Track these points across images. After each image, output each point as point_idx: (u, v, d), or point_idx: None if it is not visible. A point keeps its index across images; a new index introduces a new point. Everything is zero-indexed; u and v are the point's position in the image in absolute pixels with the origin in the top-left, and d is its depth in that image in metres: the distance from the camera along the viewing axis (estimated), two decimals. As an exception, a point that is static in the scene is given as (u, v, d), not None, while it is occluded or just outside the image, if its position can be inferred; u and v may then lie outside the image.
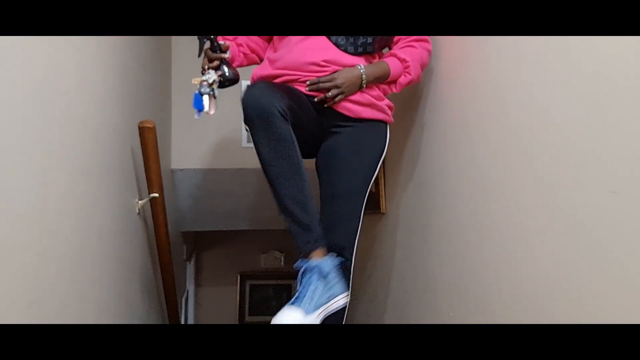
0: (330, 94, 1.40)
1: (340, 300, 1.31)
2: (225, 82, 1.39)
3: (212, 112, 1.35)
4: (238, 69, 1.57)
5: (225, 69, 1.39)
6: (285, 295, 4.36)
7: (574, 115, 0.87)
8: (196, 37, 1.38)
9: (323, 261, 1.27)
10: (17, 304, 0.76)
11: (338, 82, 1.39)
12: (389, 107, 1.54)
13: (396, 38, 1.54)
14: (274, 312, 1.21)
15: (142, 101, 1.87)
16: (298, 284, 1.27)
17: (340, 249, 1.47)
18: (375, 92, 1.48)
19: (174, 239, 2.56)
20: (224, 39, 1.48)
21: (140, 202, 1.71)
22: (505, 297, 1.09)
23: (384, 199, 2.01)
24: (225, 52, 1.39)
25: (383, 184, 2.02)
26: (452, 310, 1.37)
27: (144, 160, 1.67)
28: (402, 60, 1.47)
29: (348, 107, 1.45)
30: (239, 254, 4.34)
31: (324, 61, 1.42)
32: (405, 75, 1.48)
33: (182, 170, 2.83)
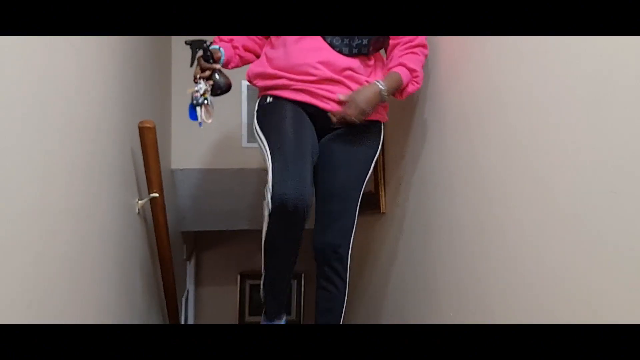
0: (357, 120, 1.42)
1: None
2: (217, 91, 1.40)
3: (209, 120, 1.36)
4: (236, 69, 1.58)
5: (217, 77, 1.39)
6: (285, 295, 4.34)
7: (574, 115, 0.87)
8: (187, 44, 1.38)
9: (283, 322, 1.61)
10: (17, 304, 0.75)
11: (361, 107, 1.40)
12: (383, 107, 1.55)
13: (393, 41, 1.54)
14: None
15: (142, 101, 1.87)
16: None
17: (336, 247, 1.48)
18: None
19: (174, 239, 2.56)
20: (220, 40, 1.48)
21: (140, 202, 1.71)
22: (506, 297, 1.09)
23: (384, 199, 2.01)
24: (217, 61, 1.41)
25: (383, 184, 2.02)
26: (452, 310, 1.37)
27: (144, 160, 1.67)
28: (412, 70, 1.48)
29: None
30: (239, 254, 4.33)
31: (318, 62, 1.42)
32: (413, 84, 1.49)
33: (182, 170, 2.83)
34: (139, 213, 1.72)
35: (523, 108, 1.04)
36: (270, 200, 1.28)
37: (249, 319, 4.35)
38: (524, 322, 1.01)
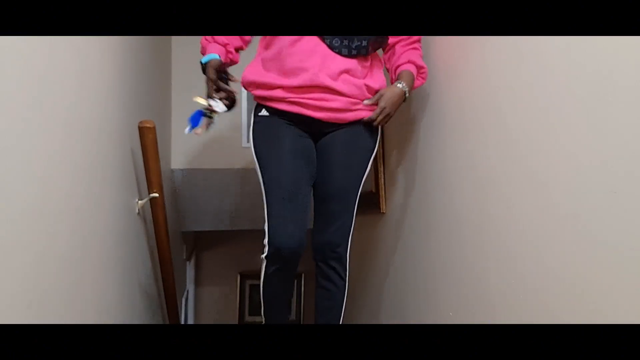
0: (385, 121, 1.50)
1: None
2: (227, 110, 1.44)
3: (199, 133, 1.38)
4: (235, 67, 1.58)
5: (232, 99, 1.44)
6: (285, 295, 4.34)
7: (574, 115, 0.87)
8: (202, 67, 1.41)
9: None
10: (17, 304, 0.75)
11: (388, 110, 1.47)
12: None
13: (393, 39, 1.55)
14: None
15: (142, 101, 1.87)
16: None
17: (335, 247, 1.49)
18: (364, 95, 1.49)
19: (174, 239, 2.56)
20: (213, 39, 1.47)
21: (140, 202, 1.71)
22: (505, 297, 1.09)
23: (384, 199, 2.01)
24: (234, 93, 1.44)
25: (383, 184, 2.02)
26: (452, 310, 1.37)
27: (144, 160, 1.67)
28: (420, 67, 1.52)
29: (336, 117, 1.47)
30: (239, 254, 4.33)
31: (314, 67, 1.42)
32: (419, 80, 1.54)
33: (182, 170, 2.83)
34: (139, 213, 1.72)
35: (523, 108, 1.04)
36: (267, 244, 1.41)
37: (248, 319, 4.36)
38: (524, 322, 1.01)
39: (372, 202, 2.05)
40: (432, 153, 1.56)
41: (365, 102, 1.48)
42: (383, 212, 2.01)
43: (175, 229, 2.84)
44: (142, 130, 1.61)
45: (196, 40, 1.54)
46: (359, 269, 2.25)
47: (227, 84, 1.40)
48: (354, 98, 1.46)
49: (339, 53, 1.44)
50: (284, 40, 1.45)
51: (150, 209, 1.82)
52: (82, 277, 1.08)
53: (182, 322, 3.22)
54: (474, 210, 1.26)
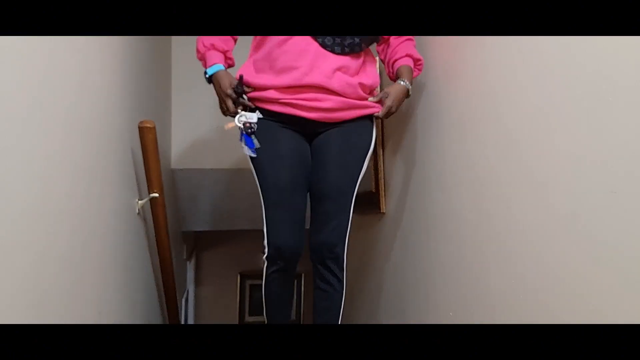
0: (387, 117, 1.53)
1: None
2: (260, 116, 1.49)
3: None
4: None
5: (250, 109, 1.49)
6: (285, 295, 4.35)
7: (574, 115, 0.87)
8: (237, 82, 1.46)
9: None
10: (17, 304, 0.76)
11: (393, 109, 1.50)
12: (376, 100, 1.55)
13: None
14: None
15: (142, 101, 1.87)
16: None
17: (332, 247, 1.48)
18: (357, 93, 1.49)
19: (174, 239, 2.56)
20: (212, 45, 1.48)
21: (140, 202, 1.71)
22: (505, 296, 1.09)
23: (383, 199, 2.01)
24: (252, 106, 1.48)
25: (383, 184, 2.02)
26: (452, 310, 1.37)
27: (144, 160, 1.67)
28: (417, 60, 1.55)
29: (329, 117, 1.47)
30: (239, 254, 4.34)
31: (306, 67, 1.42)
32: (415, 71, 1.56)
33: (182, 170, 2.83)
34: (139, 213, 1.72)
35: (522, 108, 1.04)
36: (266, 245, 1.45)
37: (248, 318, 4.36)
38: (523, 322, 1.01)
39: (371, 202, 2.05)
40: (431, 153, 1.56)
41: (371, 99, 1.51)
42: (383, 212, 2.01)
43: (175, 229, 2.84)
44: (142, 130, 1.61)
45: (194, 42, 1.54)
46: (358, 268, 2.26)
47: (243, 96, 1.45)
48: (347, 97, 1.46)
49: (332, 51, 1.44)
50: (273, 40, 1.45)
51: (150, 209, 1.82)
52: (82, 277, 1.08)
53: (182, 322, 3.22)
54: (473, 210, 1.26)
